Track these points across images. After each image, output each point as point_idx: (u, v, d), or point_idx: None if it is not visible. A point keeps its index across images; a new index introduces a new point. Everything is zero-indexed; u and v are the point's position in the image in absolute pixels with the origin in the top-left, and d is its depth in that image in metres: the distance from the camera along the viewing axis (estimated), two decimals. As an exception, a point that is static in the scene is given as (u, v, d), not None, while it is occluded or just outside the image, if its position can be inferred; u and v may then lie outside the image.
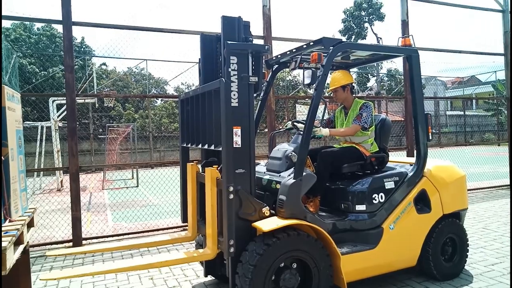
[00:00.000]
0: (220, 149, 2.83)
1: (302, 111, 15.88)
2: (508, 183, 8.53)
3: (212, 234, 2.92)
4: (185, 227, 4.70)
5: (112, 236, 5.55)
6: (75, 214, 5.11)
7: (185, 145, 3.62)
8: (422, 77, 3.84)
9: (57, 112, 11.99)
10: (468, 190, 7.13)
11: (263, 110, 4.20)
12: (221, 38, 3.07)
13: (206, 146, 3.15)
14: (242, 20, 3.06)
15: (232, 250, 2.76)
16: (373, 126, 3.70)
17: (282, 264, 2.82)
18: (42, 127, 12.46)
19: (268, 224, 2.78)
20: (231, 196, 2.76)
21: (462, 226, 3.78)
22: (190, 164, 3.41)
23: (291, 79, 25.67)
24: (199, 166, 3.46)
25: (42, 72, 19.93)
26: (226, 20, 3.01)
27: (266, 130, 6.47)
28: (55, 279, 3.40)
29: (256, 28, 5.98)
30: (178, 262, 3.07)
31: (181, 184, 3.63)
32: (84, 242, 5.24)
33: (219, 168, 2.96)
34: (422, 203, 3.52)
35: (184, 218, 3.58)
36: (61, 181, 11.85)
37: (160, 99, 23.96)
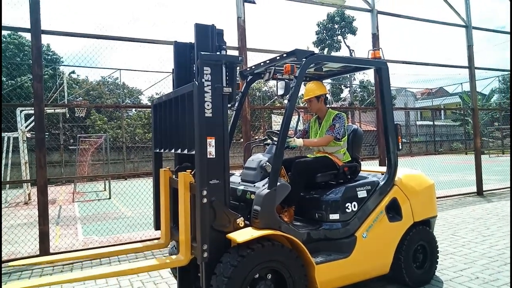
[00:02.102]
0: (193, 152, 2.80)
1: (278, 121, 16.01)
2: (475, 190, 8.87)
3: (185, 239, 2.87)
4: (159, 239, 4.60)
5: (82, 250, 5.35)
6: (43, 228, 4.91)
7: (158, 150, 3.57)
8: (393, 88, 3.97)
9: (25, 122, 11.57)
10: (438, 197, 7.39)
11: (237, 120, 4.21)
12: (194, 46, 3.06)
13: (179, 151, 3.11)
14: (216, 28, 3.07)
15: (205, 255, 2.72)
16: (346, 136, 3.77)
17: (257, 275, 2.79)
18: (8, 138, 11.97)
19: (243, 235, 2.76)
20: (205, 200, 2.73)
21: (432, 233, 3.88)
22: (163, 170, 3.35)
23: (267, 89, 25.87)
24: (172, 171, 3.42)
25: (9, 82, 19.22)
26: (199, 28, 3.01)
27: (242, 140, 6.47)
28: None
29: (231, 39, 6.03)
30: (150, 269, 2.99)
31: (154, 190, 3.56)
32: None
33: (192, 173, 2.93)
34: (394, 211, 3.60)
35: (157, 225, 3.50)
36: (29, 194, 11.38)
37: (134, 109, 23.57)
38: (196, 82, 2.76)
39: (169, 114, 3.31)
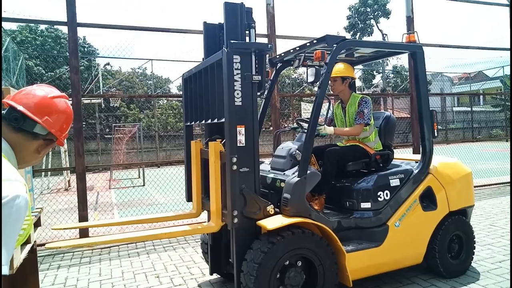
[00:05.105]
0: (223, 120, 2.85)
1: (307, 109, 15.84)
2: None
3: (216, 207, 2.94)
4: (192, 224, 4.72)
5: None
6: (82, 213, 5.16)
7: (188, 123, 3.66)
8: (428, 73, 3.82)
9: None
10: (476, 186, 7.10)
11: (267, 108, 4.20)
12: (224, 26, 3.06)
13: (209, 121, 3.17)
14: (245, 6, 3.06)
15: (236, 220, 2.77)
16: (372, 119, 3.68)
17: (287, 262, 2.82)
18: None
19: (273, 222, 2.79)
20: (235, 167, 2.77)
21: (469, 223, 3.75)
22: (194, 142, 3.43)
23: (296, 76, 25.60)
24: (203, 143, 3.49)
25: (48, 73, 20.08)
26: (229, 7, 3.00)
27: (272, 128, 6.46)
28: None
29: (260, 26, 5.98)
30: (184, 234, 3.12)
31: (185, 163, 3.64)
32: (91, 241, 5.29)
33: (222, 142, 2.98)
34: (428, 200, 3.50)
35: (189, 197, 3.60)
36: (69, 181, 11.95)
37: (165, 98, 24.05)
38: (225, 50, 2.77)
39: (199, 85, 3.37)
